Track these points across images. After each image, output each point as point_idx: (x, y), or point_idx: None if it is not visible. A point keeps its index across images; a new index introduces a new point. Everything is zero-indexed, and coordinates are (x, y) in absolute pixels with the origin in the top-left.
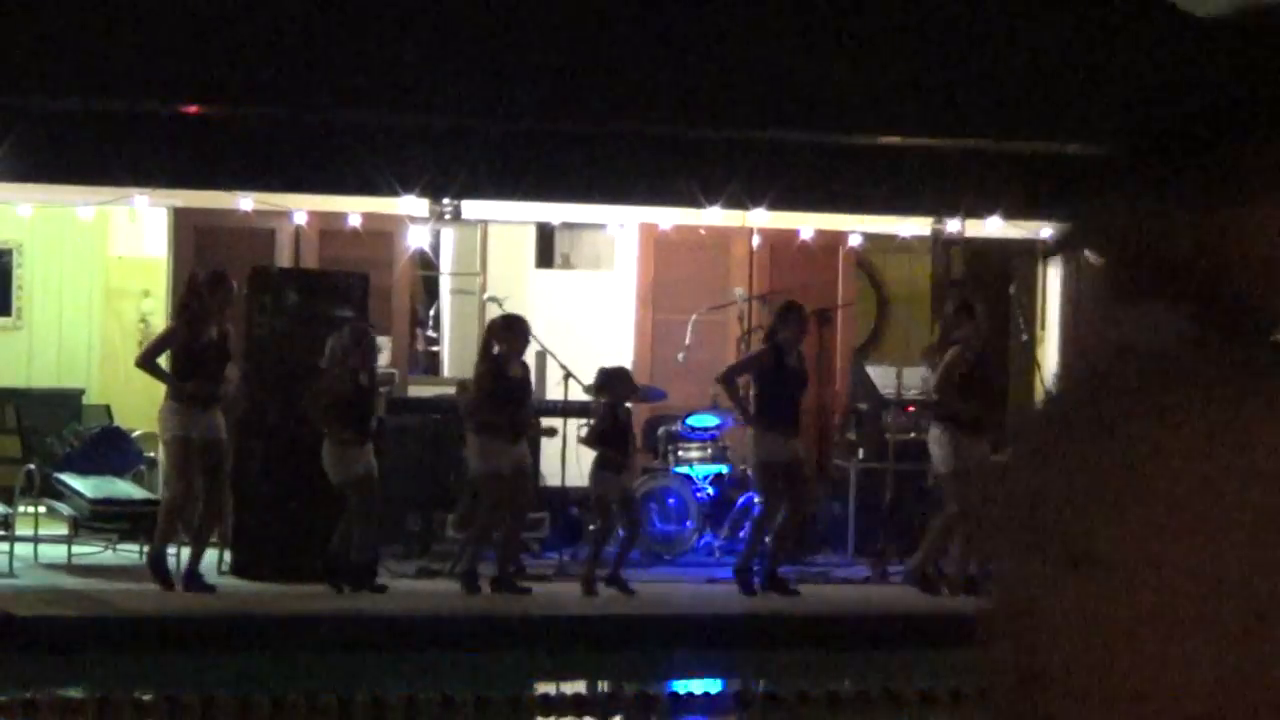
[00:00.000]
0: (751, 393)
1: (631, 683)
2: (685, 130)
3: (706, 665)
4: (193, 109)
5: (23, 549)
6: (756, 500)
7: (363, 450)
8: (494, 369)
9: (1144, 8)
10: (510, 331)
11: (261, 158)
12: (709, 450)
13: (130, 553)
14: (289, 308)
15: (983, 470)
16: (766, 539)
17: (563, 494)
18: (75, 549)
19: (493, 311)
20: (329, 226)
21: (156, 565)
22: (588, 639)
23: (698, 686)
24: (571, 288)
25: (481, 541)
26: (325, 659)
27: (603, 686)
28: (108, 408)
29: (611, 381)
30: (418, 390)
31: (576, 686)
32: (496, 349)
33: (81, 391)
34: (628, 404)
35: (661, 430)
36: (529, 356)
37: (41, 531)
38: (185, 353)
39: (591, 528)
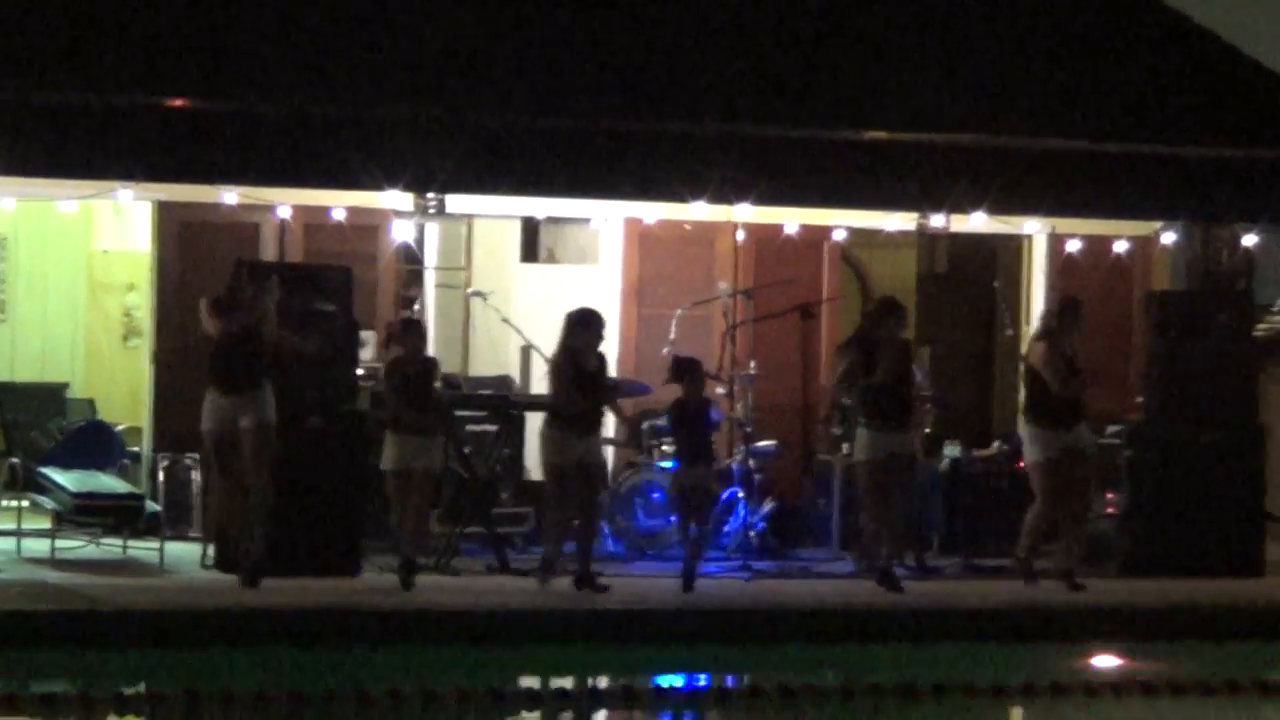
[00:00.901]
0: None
1: (615, 677)
2: (670, 125)
3: (689, 659)
4: (177, 103)
5: (5, 543)
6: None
7: (420, 442)
8: (571, 362)
9: (1125, 3)
10: (584, 326)
11: (246, 151)
12: None
13: (113, 547)
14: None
15: (1070, 460)
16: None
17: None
18: (58, 543)
19: (477, 306)
20: (313, 220)
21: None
22: (573, 633)
23: (681, 681)
24: (556, 282)
25: (558, 536)
26: (310, 653)
27: (589, 682)
28: (91, 402)
29: (685, 372)
30: None
31: (561, 681)
32: (574, 343)
33: (65, 385)
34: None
35: (646, 425)
36: (513, 352)
37: (24, 526)
38: (223, 342)
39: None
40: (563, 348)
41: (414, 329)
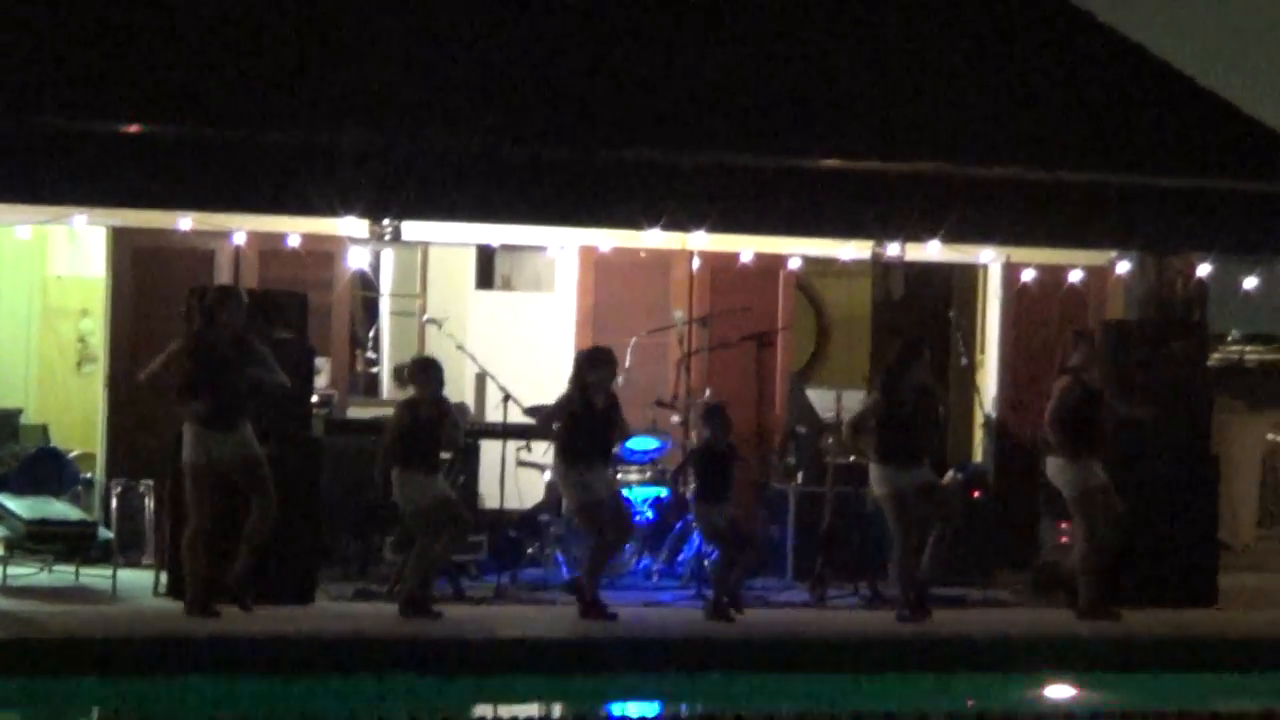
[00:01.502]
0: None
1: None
2: (625, 153)
3: (647, 687)
4: (132, 128)
5: None
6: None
7: (431, 480)
8: (582, 399)
9: (1080, 33)
10: (595, 364)
11: (201, 178)
12: (648, 473)
13: (66, 574)
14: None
15: (1104, 492)
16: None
17: (500, 516)
18: (10, 570)
19: (432, 333)
20: (268, 247)
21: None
22: (531, 662)
23: (638, 709)
24: (512, 310)
25: (596, 570)
26: (258, 681)
27: (546, 709)
28: (45, 428)
29: (712, 417)
30: (357, 412)
31: (520, 709)
32: (586, 379)
33: (19, 411)
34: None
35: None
36: (468, 379)
37: None
38: (197, 371)
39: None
40: (575, 384)
41: (431, 370)
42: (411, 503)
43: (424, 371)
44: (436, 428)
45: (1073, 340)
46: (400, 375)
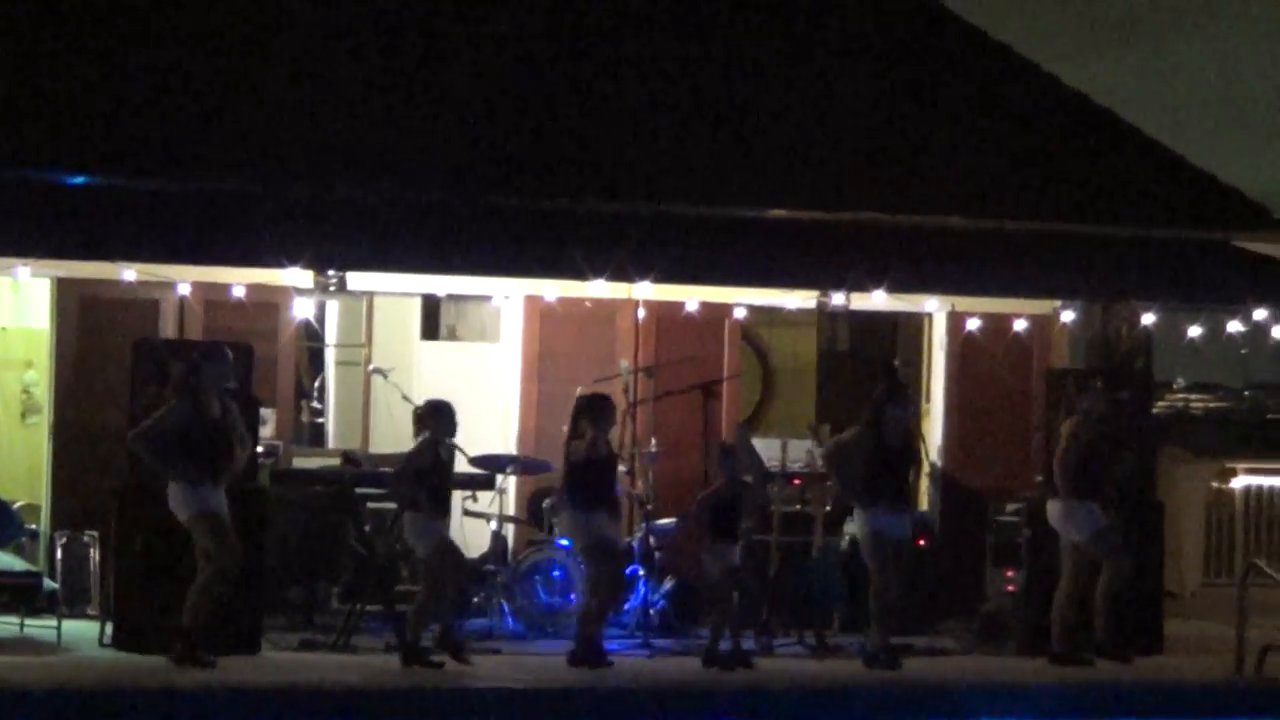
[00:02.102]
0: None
1: None
2: (570, 203)
3: None
4: (77, 180)
5: None
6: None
7: (439, 524)
8: (584, 448)
9: (1025, 83)
10: (598, 411)
11: (145, 229)
12: None
13: (10, 625)
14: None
15: (1110, 534)
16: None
17: None
18: None
19: (377, 383)
20: (213, 297)
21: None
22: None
23: None
24: (457, 359)
25: (603, 615)
26: None
27: None
28: None
29: (730, 458)
30: (302, 461)
31: None
32: (588, 429)
33: None
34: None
35: (546, 502)
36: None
37: None
38: (192, 431)
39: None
40: (575, 433)
41: (444, 413)
42: (419, 547)
43: (436, 414)
44: (448, 471)
45: (1080, 385)
46: (422, 417)
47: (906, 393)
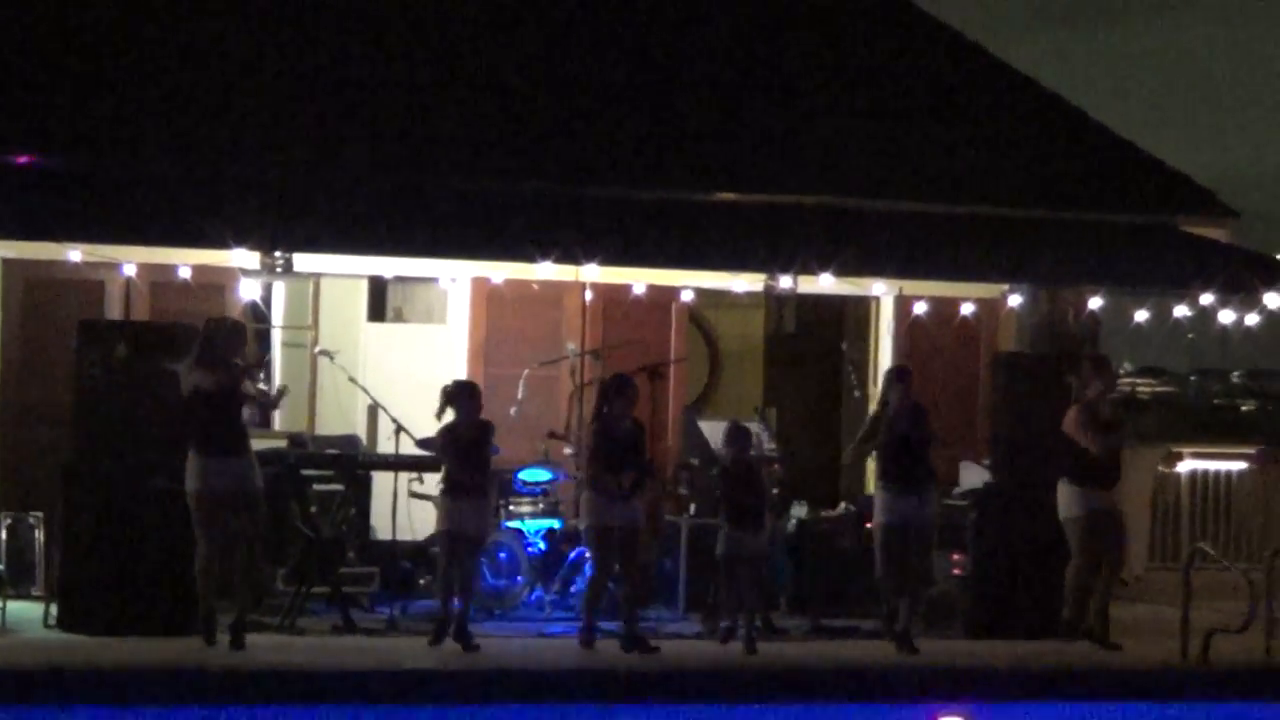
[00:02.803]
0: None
1: None
2: (518, 185)
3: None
4: (22, 159)
5: None
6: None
7: (472, 504)
8: (603, 428)
9: (973, 67)
10: (619, 391)
11: (91, 209)
12: (540, 505)
13: None
14: (119, 360)
15: (1109, 519)
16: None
17: (392, 547)
18: None
19: (324, 365)
20: (160, 278)
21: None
22: (428, 693)
23: None
24: (404, 341)
25: (595, 600)
26: (151, 713)
27: None
28: None
29: (735, 438)
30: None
31: None
32: (607, 408)
33: None
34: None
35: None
36: (360, 410)
37: None
38: (203, 401)
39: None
40: (596, 415)
41: (469, 392)
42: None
43: (462, 394)
44: (476, 451)
45: (1090, 368)
46: (449, 396)
47: (902, 379)
